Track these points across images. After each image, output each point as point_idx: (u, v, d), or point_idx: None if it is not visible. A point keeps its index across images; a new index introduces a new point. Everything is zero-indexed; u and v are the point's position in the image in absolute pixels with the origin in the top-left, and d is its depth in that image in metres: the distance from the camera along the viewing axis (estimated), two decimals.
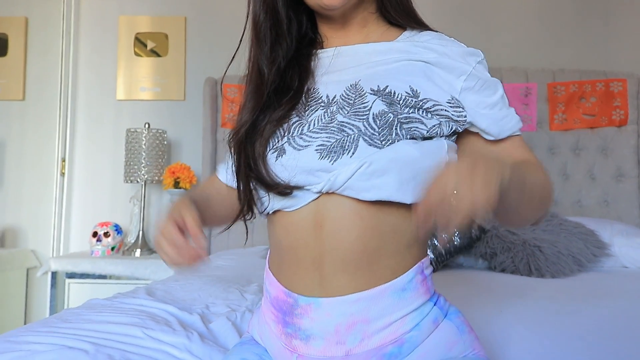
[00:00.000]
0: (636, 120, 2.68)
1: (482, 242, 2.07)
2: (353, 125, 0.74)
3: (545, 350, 1.04)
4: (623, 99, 2.68)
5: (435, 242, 2.00)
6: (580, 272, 2.00)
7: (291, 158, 0.76)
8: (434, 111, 0.76)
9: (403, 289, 0.75)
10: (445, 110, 0.76)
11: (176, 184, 2.65)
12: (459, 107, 0.77)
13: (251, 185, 0.81)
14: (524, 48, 2.89)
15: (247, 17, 0.86)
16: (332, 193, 0.74)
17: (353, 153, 0.73)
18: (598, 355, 1.00)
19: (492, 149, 0.82)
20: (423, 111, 0.75)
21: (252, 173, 0.80)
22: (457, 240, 2.01)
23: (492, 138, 0.81)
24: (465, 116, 0.78)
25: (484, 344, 0.88)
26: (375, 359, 0.74)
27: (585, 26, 2.90)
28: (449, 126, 0.77)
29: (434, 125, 0.75)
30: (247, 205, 0.84)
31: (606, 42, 2.89)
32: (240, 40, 0.87)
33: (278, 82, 0.83)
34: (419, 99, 0.75)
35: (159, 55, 3.00)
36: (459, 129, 0.79)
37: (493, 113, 0.80)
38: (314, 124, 0.77)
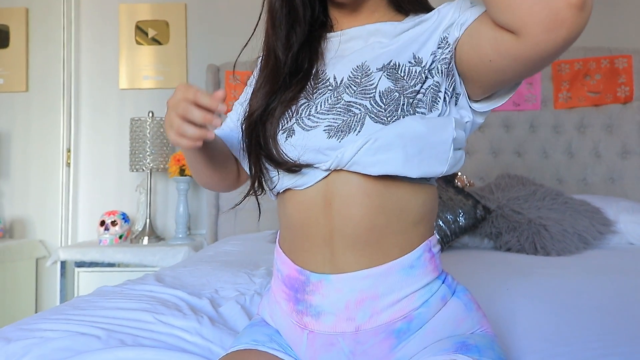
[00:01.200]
0: None
1: (487, 222, 2.08)
2: (360, 104, 0.76)
3: (551, 326, 1.05)
4: (628, 76, 2.66)
5: (441, 223, 2.00)
6: (586, 249, 2.01)
7: (300, 138, 0.78)
8: (430, 67, 0.76)
9: (411, 266, 0.76)
10: (436, 56, 0.77)
11: (182, 172, 2.66)
12: (447, 46, 0.77)
13: (261, 164, 0.83)
14: None
15: (263, 5, 0.88)
16: (341, 171, 0.76)
17: (359, 131, 0.74)
18: (603, 331, 1.01)
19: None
20: (426, 71, 0.76)
21: (263, 151, 0.82)
22: (462, 221, 2.02)
23: None
24: (449, 52, 0.76)
25: (491, 321, 0.89)
26: (385, 334, 0.75)
27: None
28: (439, 70, 0.76)
29: (429, 87, 0.75)
30: (257, 181, 0.86)
31: (611, 17, 2.86)
32: (255, 28, 0.89)
33: (292, 65, 0.85)
34: (422, 65, 0.77)
35: (160, 43, 3.00)
36: (453, 69, 0.77)
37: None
38: (321, 105, 0.79)
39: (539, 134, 2.73)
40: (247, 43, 0.91)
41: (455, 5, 0.78)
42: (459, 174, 2.38)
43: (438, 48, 0.77)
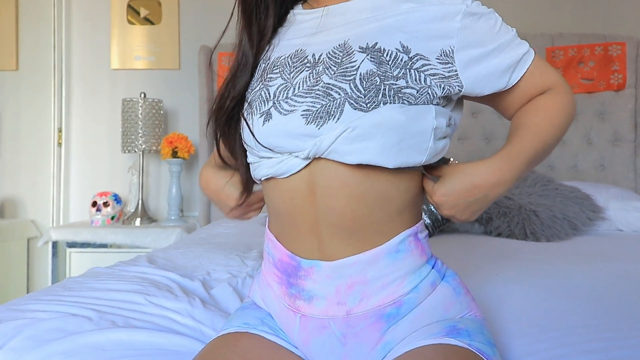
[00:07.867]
0: (634, 84, 2.67)
1: None
2: (339, 87, 0.73)
3: (540, 311, 1.06)
4: (621, 63, 2.66)
5: (432, 208, 2.01)
6: (575, 235, 2.03)
7: (278, 123, 0.76)
8: (424, 71, 0.74)
9: (397, 250, 0.76)
10: (435, 67, 0.75)
11: (174, 154, 2.65)
12: (448, 62, 0.76)
13: (246, 157, 0.83)
14: (524, 11, 2.86)
15: None
16: (321, 159, 0.75)
17: (338, 118, 0.72)
18: (592, 316, 1.02)
19: (507, 100, 0.85)
20: (413, 71, 0.74)
21: (242, 140, 0.80)
22: None
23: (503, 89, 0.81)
24: (455, 70, 0.76)
25: (480, 305, 0.90)
26: (374, 319, 0.76)
27: None
28: (441, 87, 0.75)
29: (423, 87, 0.73)
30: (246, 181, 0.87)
31: (606, 4, 2.85)
32: (232, 13, 0.86)
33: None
34: (410, 55, 0.74)
35: (152, 23, 2.96)
36: (452, 89, 0.76)
37: (495, 59, 0.78)
38: (299, 87, 0.76)
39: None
40: (227, 26, 0.88)
41: (464, 26, 0.76)
42: (452, 159, 2.38)
43: (438, 60, 0.75)
